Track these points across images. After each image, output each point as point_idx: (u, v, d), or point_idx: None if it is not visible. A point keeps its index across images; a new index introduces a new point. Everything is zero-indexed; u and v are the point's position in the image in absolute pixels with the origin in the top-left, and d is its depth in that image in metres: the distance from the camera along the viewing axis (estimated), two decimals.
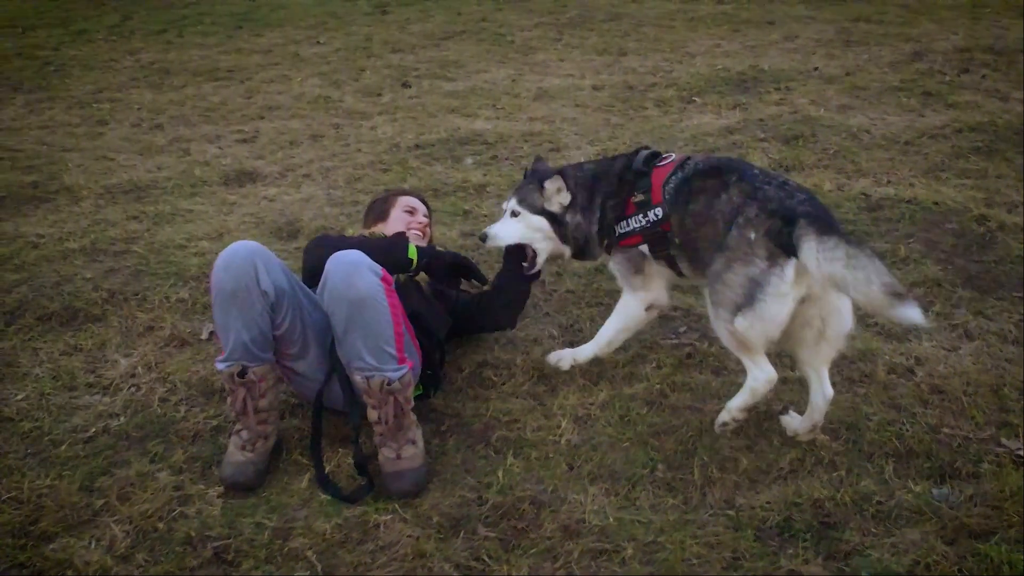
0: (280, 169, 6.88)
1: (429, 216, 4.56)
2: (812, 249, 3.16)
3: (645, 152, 3.89)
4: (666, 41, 10.78)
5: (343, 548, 3.13)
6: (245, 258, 3.38)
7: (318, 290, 3.47)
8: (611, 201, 3.88)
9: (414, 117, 8.10)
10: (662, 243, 3.75)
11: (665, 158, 3.83)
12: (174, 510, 3.33)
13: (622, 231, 3.84)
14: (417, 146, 7.23)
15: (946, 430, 3.62)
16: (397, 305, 3.44)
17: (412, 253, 3.87)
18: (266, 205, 6.16)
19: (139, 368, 4.24)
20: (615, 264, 3.97)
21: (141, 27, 13.35)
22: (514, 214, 4.00)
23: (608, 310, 4.11)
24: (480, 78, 9.47)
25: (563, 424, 3.73)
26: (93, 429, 3.82)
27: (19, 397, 4.07)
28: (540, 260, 4.06)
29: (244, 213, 6.01)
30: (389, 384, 3.39)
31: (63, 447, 3.70)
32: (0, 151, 7.44)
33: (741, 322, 3.37)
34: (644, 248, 3.81)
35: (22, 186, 6.57)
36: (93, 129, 8.17)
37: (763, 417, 3.72)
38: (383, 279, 3.40)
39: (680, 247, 3.70)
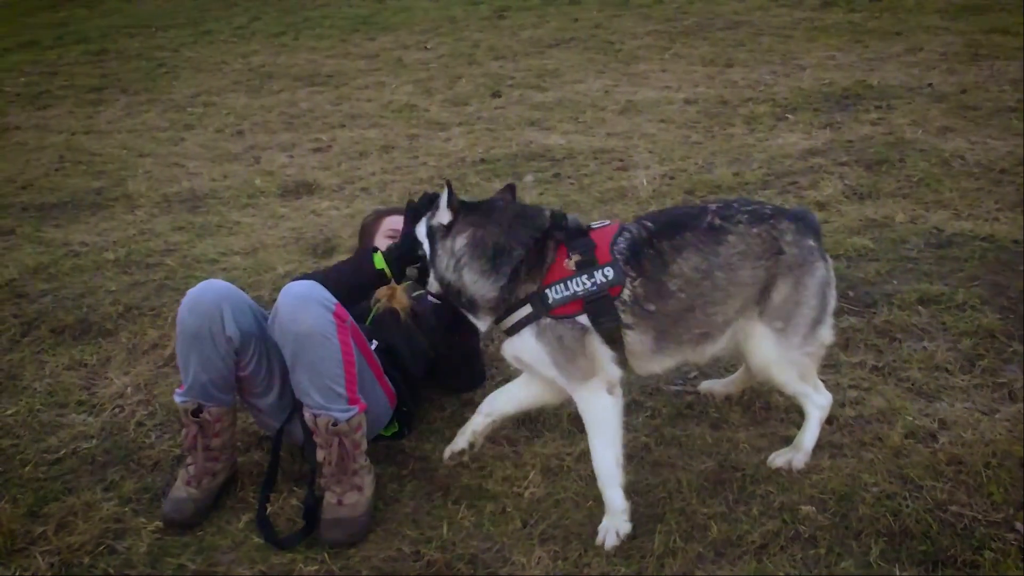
0: (340, 181, 6.81)
1: None
2: None
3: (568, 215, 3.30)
4: (779, 52, 10.31)
5: None
6: (211, 302, 3.30)
7: (268, 323, 3.33)
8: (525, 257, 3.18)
9: (491, 129, 7.92)
10: (610, 311, 3.16)
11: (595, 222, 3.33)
12: (104, 544, 3.25)
13: (557, 296, 3.15)
14: (483, 160, 7.06)
15: (953, 508, 3.21)
16: (348, 343, 3.26)
17: (379, 263, 3.39)
18: (312, 220, 6.08)
19: (129, 388, 4.20)
20: (541, 346, 3.17)
21: (263, 29, 13.56)
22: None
23: None
24: (572, 89, 9.23)
25: (531, 475, 3.49)
26: (63, 451, 3.79)
27: (9, 412, 4.07)
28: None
29: (288, 227, 5.94)
30: (335, 424, 3.23)
31: (28, 467, 3.68)
32: (81, 155, 7.60)
33: (824, 333, 3.36)
34: (584, 319, 3.15)
35: (87, 192, 6.69)
36: (177, 134, 8.28)
37: (750, 480, 3.39)
38: (336, 314, 3.23)
39: (651, 314, 3.21)
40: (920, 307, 4.45)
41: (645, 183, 6.18)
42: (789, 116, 7.79)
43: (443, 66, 10.63)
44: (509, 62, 10.64)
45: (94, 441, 3.84)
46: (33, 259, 5.55)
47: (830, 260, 3.37)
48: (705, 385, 3.91)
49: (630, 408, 3.86)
